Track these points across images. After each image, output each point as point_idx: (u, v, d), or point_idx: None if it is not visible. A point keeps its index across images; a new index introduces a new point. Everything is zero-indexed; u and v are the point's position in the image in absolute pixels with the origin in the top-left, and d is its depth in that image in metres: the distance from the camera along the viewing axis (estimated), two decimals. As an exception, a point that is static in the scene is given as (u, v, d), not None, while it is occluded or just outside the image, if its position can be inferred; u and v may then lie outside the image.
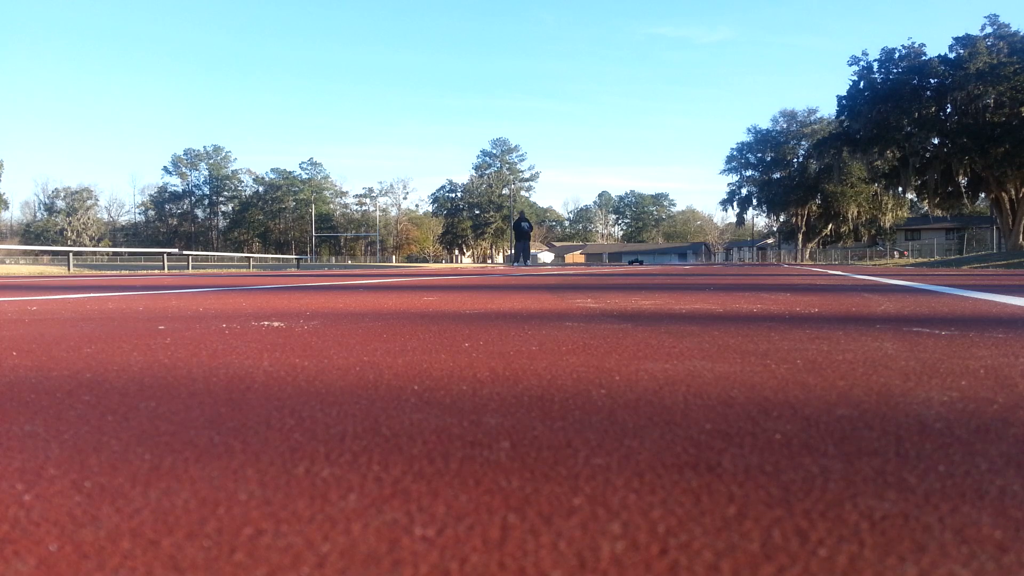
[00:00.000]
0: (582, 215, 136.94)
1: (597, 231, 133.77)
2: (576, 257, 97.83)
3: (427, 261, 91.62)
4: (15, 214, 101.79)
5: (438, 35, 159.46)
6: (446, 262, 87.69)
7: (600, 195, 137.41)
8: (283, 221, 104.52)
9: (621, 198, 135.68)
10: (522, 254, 21.50)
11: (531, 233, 21.55)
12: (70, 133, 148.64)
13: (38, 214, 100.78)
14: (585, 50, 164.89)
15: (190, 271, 18.07)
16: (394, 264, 51.76)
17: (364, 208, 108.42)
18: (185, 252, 24.48)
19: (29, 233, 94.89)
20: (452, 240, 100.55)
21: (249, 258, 29.97)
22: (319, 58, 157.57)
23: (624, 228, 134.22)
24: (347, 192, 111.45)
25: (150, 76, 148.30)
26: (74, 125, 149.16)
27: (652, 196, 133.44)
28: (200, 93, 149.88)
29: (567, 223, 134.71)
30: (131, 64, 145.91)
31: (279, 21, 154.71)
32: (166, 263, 21.98)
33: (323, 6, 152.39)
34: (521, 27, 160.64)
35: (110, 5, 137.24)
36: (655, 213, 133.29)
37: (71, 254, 19.48)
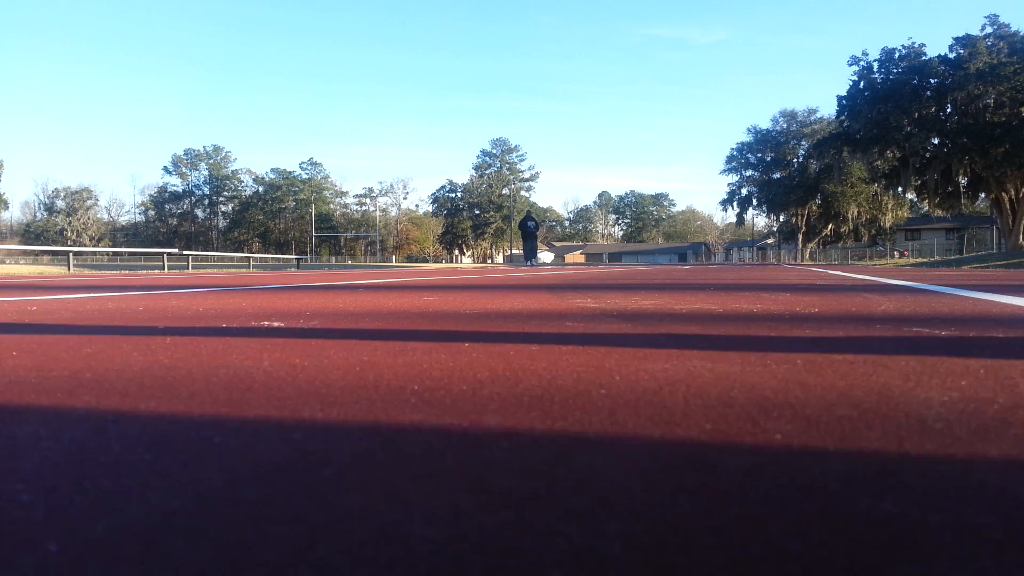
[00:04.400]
0: (582, 215, 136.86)
1: (597, 231, 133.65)
2: (576, 257, 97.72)
3: (427, 261, 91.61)
4: (15, 214, 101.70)
5: (437, 36, 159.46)
6: (446, 262, 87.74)
7: (600, 195, 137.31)
8: (283, 221, 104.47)
9: (621, 198, 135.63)
10: (529, 253, 21.55)
11: (537, 233, 21.60)
12: (70, 133, 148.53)
13: (38, 214, 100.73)
14: (583, 51, 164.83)
15: (190, 271, 18.06)
16: (394, 264, 51.77)
17: (364, 208, 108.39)
18: (185, 252, 24.49)
19: (29, 233, 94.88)
20: (452, 240, 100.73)
21: (249, 258, 29.98)
22: (318, 58, 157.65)
23: (624, 228, 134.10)
24: (347, 192, 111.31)
25: (149, 76, 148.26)
26: (74, 125, 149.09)
27: (652, 196, 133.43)
28: (200, 93, 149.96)
29: (567, 223, 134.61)
30: (131, 64, 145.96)
31: (278, 21, 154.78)
32: (166, 263, 21.98)
33: (322, 6, 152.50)
34: (519, 28, 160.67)
35: (109, 5, 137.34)
36: (655, 213, 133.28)
37: (71, 254, 19.48)
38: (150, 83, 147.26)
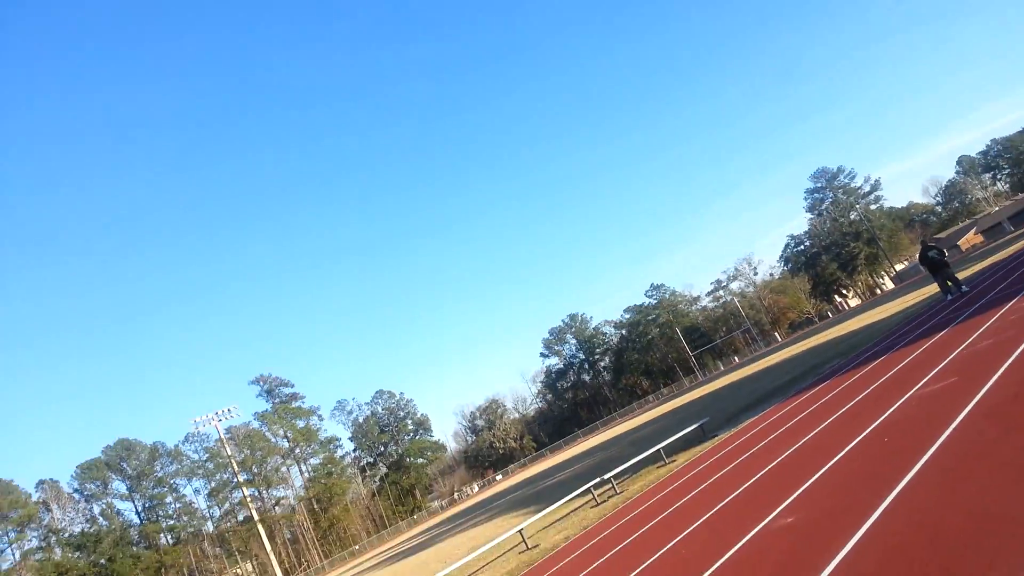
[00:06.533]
0: (952, 192, 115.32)
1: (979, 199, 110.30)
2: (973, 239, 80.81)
3: (812, 322, 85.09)
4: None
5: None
6: (832, 314, 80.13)
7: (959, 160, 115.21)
8: (656, 351, 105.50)
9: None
10: (951, 283, 17.65)
11: (946, 259, 17.80)
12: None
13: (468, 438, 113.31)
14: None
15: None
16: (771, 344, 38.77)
17: (722, 301, 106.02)
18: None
19: (468, 457, 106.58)
20: (826, 289, 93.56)
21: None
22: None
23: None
24: (698, 297, 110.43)
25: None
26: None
27: None
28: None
29: (938, 209, 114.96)
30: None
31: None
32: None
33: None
34: None
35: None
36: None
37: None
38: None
